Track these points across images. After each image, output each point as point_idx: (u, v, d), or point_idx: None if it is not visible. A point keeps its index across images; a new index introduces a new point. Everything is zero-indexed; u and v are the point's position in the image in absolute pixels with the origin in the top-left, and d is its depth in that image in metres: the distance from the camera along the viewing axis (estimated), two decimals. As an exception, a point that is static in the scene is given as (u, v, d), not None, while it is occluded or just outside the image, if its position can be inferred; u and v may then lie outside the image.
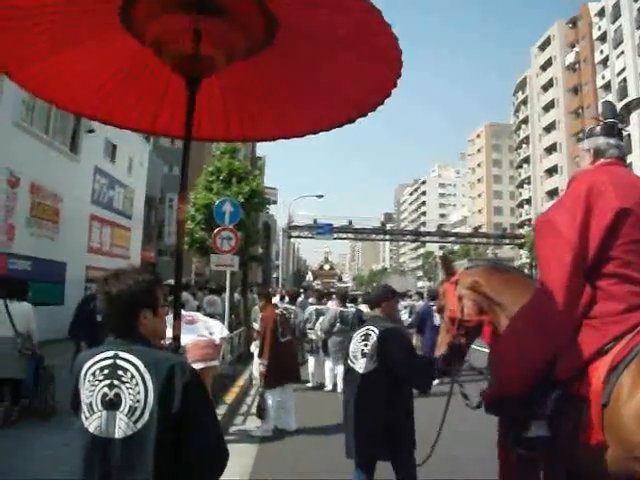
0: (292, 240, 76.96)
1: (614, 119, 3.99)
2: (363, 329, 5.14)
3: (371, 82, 3.31)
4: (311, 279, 61.87)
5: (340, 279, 65.57)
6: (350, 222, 71.40)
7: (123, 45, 3.24)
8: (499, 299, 4.47)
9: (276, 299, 13.53)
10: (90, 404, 2.35)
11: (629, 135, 50.29)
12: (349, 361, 5.10)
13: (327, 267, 55.97)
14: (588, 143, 3.98)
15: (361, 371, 4.93)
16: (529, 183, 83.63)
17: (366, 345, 4.95)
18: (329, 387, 12.94)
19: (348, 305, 13.79)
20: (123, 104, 3.74)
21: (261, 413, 8.80)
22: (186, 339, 6.56)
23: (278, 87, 3.58)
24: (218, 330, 8.70)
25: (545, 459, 3.81)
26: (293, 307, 13.35)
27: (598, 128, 3.99)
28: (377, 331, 4.96)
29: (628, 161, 48.50)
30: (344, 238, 79.17)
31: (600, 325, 3.41)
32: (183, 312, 8.38)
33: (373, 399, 4.83)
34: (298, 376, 9.76)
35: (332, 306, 13.85)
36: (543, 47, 79.39)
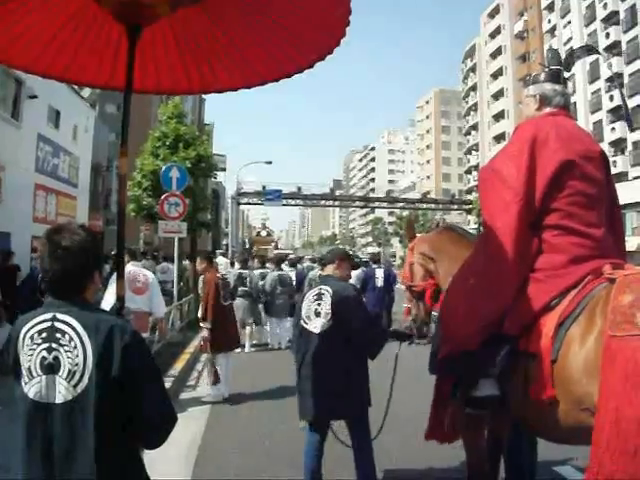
0: (242, 208, 76.46)
1: (559, 67, 3.99)
2: (315, 289, 5.09)
3: (325, 21, 3.24)
4: (248, 246, 62.02)
5: (277, 246, 66.02)
6: (299, 188, 71.25)
7: None
8: (440, 257, 4.54)
9: (223, 260, 13.80)
10: (29, 369, 2.26)
11: (574, 81, 51.16)
12: (302, 322, 5.01)
13: (264, 234, 55.97)
14: (534, 89, 3.96)
15: (316, 331, 4.87)
16: (477, 150, 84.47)
17: (319, 304, 4.90)
18: (275, 347, 13.80)
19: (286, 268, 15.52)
20: (63, 56, 3.53)
21: (216, 379, 8.77)
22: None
23: (235, 33, 3.47)
24: (159, 307, 8.73)
25: (493, 417, 3.86)
26: (246, 271, 13.94)
27: (544, 74, 3.98)
28: (330, 290, 4.92)
29: (572, 100, 49.23)
30: (293, 205, 79.04)
31: (545, 278, 3.45)
32: (139, 278, 8.29)
33: (329, 358, 4.81)
34: (238, 340, 9.84)
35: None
36: (492, 15, 79.65)
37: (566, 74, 4.04)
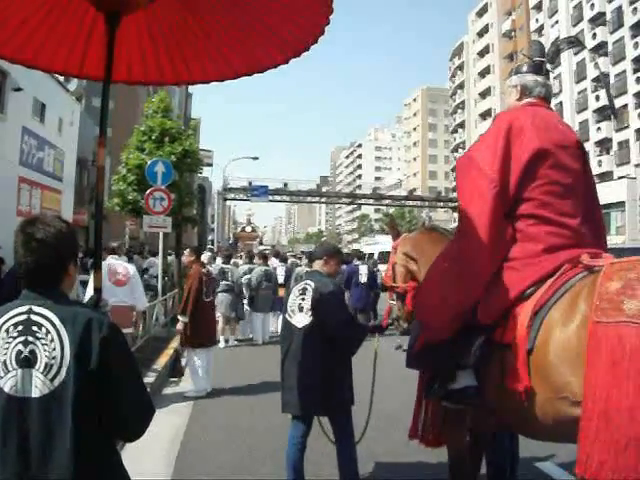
0: (229, 203, 76.18)
1: (542, 58, 4.00)
2: (301, 283, 5.09)
3: (305, 19, 3.21)
4: (232, 241, 61.83)
5: (261, 242, 65.75)
6: (285, 184, 71.07)
7: None
8: (421, 258, 4.54)
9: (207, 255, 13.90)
10: (4, 362, 2.21)
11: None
12: (287, 315, 5.04)
13: (249, 229, 55.69)
14: (516, 80, 3.97)
15: (299, 325, 4.89)
16: (464, 148, 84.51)
17: (303, 299, 4.92)
18: (259, 341, 13.84)
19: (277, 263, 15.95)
20: (33, 42, 3.44)
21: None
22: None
23: (211, 27, 3.43)
24: (141, 300, 8.90)
25: (474, 410, 3.83)
26: (229, 266, 13.96)
27: (526, 65, 3.99)
28: (313, 285, 4.93)
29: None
30: (279, 201, 78.69)
31: (520, 267, 3.43)
32: (119, 270, 8.42)
33: (312, 353, 4.81)
34: (216, 339, 10.13)
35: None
36: (480, 14, 79.83)
37: (554, 71, 4.04)
